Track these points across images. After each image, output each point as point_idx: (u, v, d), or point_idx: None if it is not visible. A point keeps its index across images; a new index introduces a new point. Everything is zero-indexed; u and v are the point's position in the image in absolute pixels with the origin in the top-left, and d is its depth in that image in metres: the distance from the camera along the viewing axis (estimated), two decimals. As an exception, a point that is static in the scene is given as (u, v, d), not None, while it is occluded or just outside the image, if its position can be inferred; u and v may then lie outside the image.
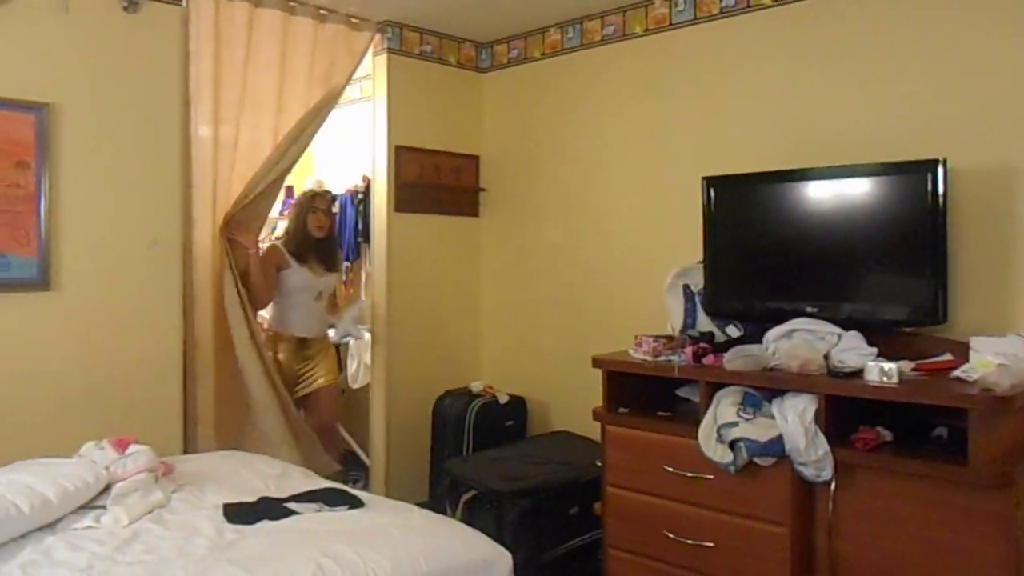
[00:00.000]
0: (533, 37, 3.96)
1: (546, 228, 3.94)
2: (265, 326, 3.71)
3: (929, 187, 2.48)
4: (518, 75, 4.06)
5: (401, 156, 3.88)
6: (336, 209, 4.42)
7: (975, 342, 2.35)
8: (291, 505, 2.21)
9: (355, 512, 2.24)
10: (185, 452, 3.17)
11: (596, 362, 2.92)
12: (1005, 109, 2.55)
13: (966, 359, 2.37)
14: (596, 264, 3.72)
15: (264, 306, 3.64)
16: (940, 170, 2.47)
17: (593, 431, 3.11)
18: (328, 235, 3.76)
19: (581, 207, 3.79)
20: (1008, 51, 2.56)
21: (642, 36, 3.53)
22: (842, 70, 2.92)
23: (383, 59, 3.82)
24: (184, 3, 3.19)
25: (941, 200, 2.47)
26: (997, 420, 2.16)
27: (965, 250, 2.59)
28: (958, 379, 2.30)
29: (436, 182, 4.04)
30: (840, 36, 2.92)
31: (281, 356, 3.66)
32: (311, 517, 2.17)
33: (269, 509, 2.17)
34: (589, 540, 3.15)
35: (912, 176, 2.52)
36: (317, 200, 3.70)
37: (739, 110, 3.20)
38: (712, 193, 2.97)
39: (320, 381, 3.73)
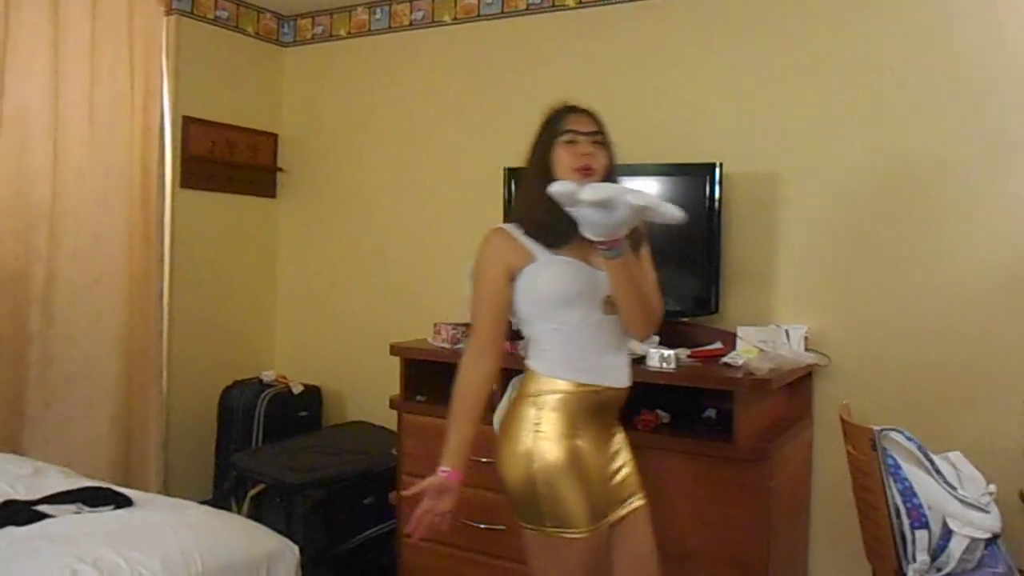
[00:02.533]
0: (339, 15, 3.83)
1: (347, 213, 3.84)
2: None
3: (707, 189, 2.69)
4: (322, 53, 3.91)
5: (189, 128, 3.61)
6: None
7: (741, 331, 2.57)
8: (43, 508, 1.97)
9: (122, 512, 2.05)
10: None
11: (394, 349, 2.89)
12: (772, 121, 2.82)
13: (734, 347, 2.59)
14: (398, 250, 3.68)
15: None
16: (716, 173, 2.68)
17: (390, 421, 3.07)
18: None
19: (384, 192, 3.73)
20: (778, 68, 2.82)
21: (450, 24, 3.52)
22: (635, 74, 3.08)
23: (172, 21, 3.52)
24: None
25: (717, 201, 2.69)
26: (757, 401, 2.38)
27: (736, 248, 2.83)
28: (726, 364, 2.51)
29: (229, 159, 3.79)
30: (635, 42, 3.08)
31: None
32: (68, 520, 1.95)
33: (15, 513, 1.92)
34: (384, 530, 3.11)
35: (692, 178, 2.72)
36: (574, 117, 1.87)
37: (541, 104, 3.26)
38: (514, 184, 3.02)
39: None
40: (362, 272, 3.79)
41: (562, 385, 1.81)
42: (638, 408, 2.53)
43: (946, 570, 2.08)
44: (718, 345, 2.67)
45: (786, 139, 2.79)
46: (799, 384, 2.67)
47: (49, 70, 3.09)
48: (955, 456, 2.27)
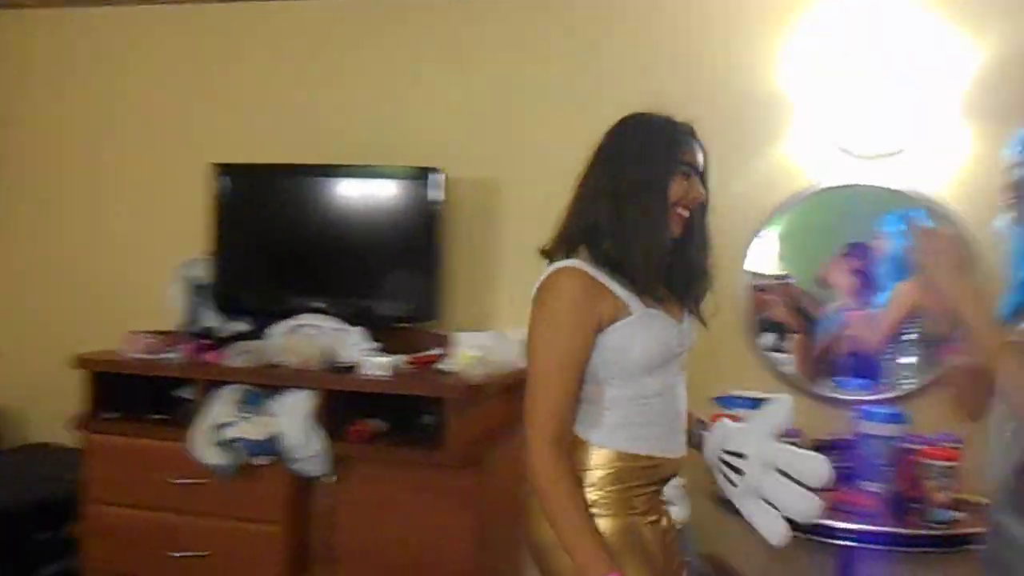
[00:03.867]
0: (26, -18, 3.34)
1: (30, 208, 3.35)
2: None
3: (428, 193, 2.67)
4: (3, 23, 3.39)
5: None
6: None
7: (458, 337, 2.56)
8: None
9: None
10: None
11: (80, 361, 2.56)
12: (494, 128, 2.86)
13: (451, 353, 2.58)
14: (87, 251, 3.27)
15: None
16: (437, 177, 2.66)
17: (77, 442, 2.70)
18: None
19: (74, 187, 3.31)
20: (499, 73, 2.87)
21: (156, 4, 3.18)
22: (356, 75, 2.99)
23: None
24: None
25: (438, 206, 2.67)
26: (470, 407, 2.38)
27: (458, 253, 2.83)
28: (442, 371, 2.49)
29: None
30: (358, 42, 2.99)
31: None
32: None
33: None
34: (61, 569, 2.72)
35: (414, 181, 2.68)
36: (694, 146, 1.59)
37: (256, 98, 3.09)
38: (223, 182, 2.79)
39: None
40: (44, 276, 3.32)
41: (617, 456, 1.49)
42: (351, 418, 2.45)
43: (637, 562, 2.20)
44: (437, 351, 2.65)
45: (507, 146, 2.85)
46: (516, 390, 2.71)
47: None
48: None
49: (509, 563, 2.72)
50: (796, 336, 2.73)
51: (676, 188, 1.50)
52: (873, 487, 2.33)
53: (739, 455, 1.57)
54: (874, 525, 2.23)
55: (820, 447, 2.46)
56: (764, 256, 2.71)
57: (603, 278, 1.47)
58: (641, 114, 1.61)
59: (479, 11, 2.89)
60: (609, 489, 1.48)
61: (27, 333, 3.33)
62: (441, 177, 2.67)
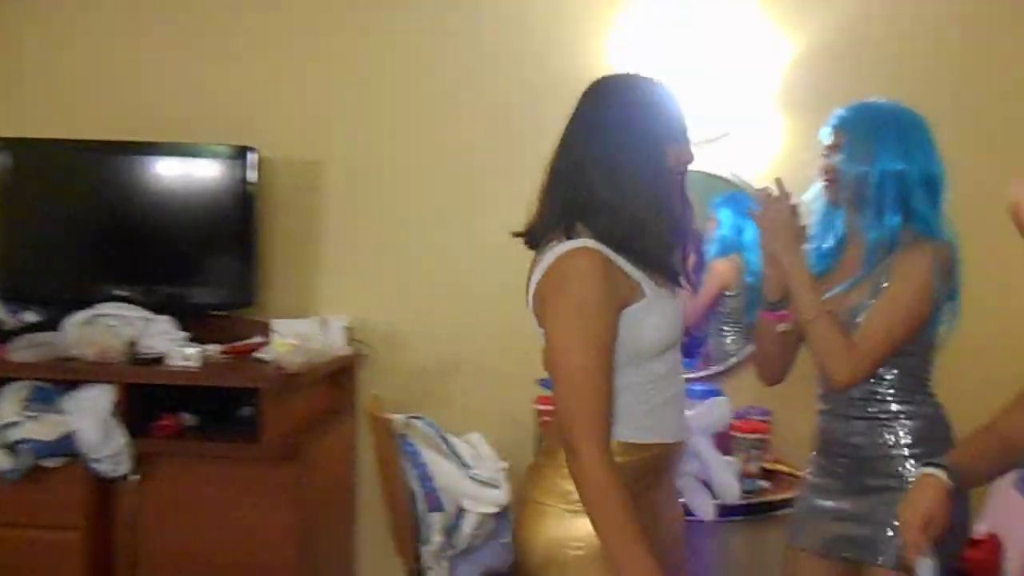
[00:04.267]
0: None
1: None
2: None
3: (241, 173, 2.52)
4: None
5: None
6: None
7: (276, 324, 2.44)
8: None
9: None
10: None
11: None
12: (314, 108, 2.73)
13: (269, 341, 2.45)
14: None
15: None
16: (252, 157, 2.52)
17: None
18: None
19: None
20: (325, 50, 2.73)
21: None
22: (169, 44, 2.76)
23: None
24: None
25: (253, 186, 2.53)
26: (288, 397, 2.27)
27: (276, 236, 2.69)
28: (259, 360, 2.37)
29: None
30: (170, 20, 2.77)
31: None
32: None
33: None
34: None
35: (225, 160, 2.53)
36: (673, 107, 1.47)
37: (44, 68, 2.81)
38: (7, 158, 2.52)
39: None
40: None
41: (631, 449, 1.38)
42: (157, 413, 2.28)
43: (459, 547, 2.18)
44: (256, 340, 2.52)
45: (328, 126, 2.72)
46: (340, 377, 2.63)
47: None
48: (475, 437, 2.40)
49: (335, 562, 2.64)
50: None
51: (671, 153, 1.40)
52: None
53: None
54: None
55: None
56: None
57: (616, 258, 1.35)
58: (619, 76, 1.48)
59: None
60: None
61: None
62: (254, 157, 2.52)
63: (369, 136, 2.72)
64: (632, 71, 1.48)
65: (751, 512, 2.29)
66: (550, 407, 2.36)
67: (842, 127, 1.68)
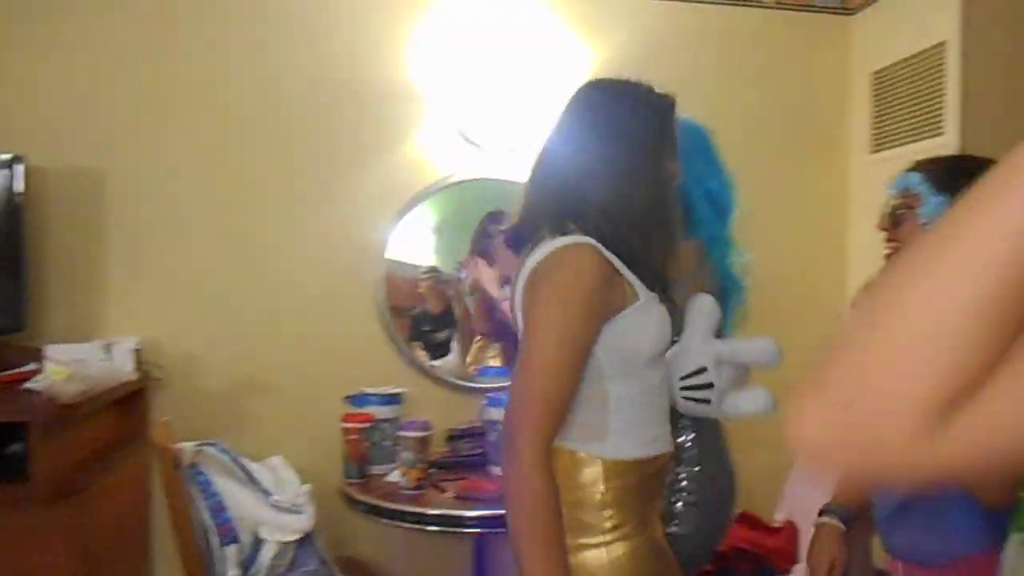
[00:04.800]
0: None
1: None
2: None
3: (8, 184, 2.27)
4: None
5: None
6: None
7: (50, 350, 2.21)
8: None
9: None
10: None
11: None
12: (92, 114, 2.51)
13: (45, 369, 2.23)
14: None
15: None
16: (19, 167, 2.28)
17: None
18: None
19: None
20: (103, 56, 2.53)
21: None
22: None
23: None
24: None
25: (20, 198, 2.29)
26: (62, 430, 2.06)
27: (51, 253, 2.46)
28: (30, 390, 2.14)
29: None
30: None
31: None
32: None
33: None
34: None
35: (-10, 170, 2.27)
36: (674, 121, 1.48)
37: None
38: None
39: None
40: None
41: (631, 466, 1.32)
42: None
43: (259, 578, 2.07)
44: (29, 367, 2.28)
45: (108, 135, 2.51)
46: (128, 404, 2.43)
47: None
48: (275, 461, 2.31)
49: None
50: (451, 326, 2.77)
51: (671, 165, 1.41)
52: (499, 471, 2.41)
53: (699, 371, 1.55)
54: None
55: (455, 436, 2.51)
56: (412, 248, 2.71)
57: (612, 259, 1.30)
58: (625, 82, 1.43)
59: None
60: (631, 506, 1.31)
61: None
62: (21, 165, 2.28)
63: (153, 145, 2.53)
64: (633, 78, 1.46)
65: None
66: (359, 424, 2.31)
67: None
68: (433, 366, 2.74)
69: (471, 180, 2.72)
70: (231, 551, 1.99)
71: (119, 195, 2.51)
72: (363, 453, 2.30)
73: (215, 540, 1.99)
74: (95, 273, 2.51)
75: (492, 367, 2.82)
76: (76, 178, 2.48)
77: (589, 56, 2.70)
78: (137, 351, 2.41)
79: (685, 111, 1.77)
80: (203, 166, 2.57)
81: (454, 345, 2.80)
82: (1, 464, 2.13)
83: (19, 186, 2.28)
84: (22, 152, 2.30)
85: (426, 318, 2.78)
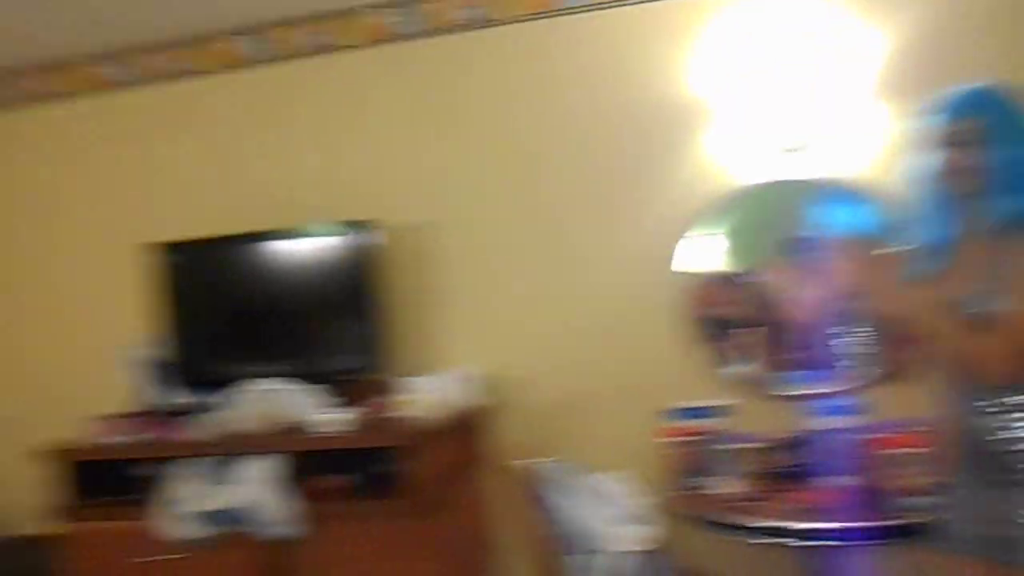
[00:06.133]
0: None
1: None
2: None
3: (365, 244, 2.72)
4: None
5: None
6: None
7: (408, 382, 2.59)
8: None
9: None
10: None
11: (47, 453, 2.58)
12: (424, 173, 2.90)
13: (403, 399, 2.58)
14: (33, 342, 3.31)
15: None
16: (371, 229, 2.72)
17: (45, 531, 2.70)
18: None
19: (18, 279, 3.35)
20: (426, 120, 2.91)
21: (79, 96, 3.25)
22: (289, 137, 3.04)
23: None
24: None
25: (375, 256, 2.72)
26: (426, 450, 2.39)
27: (401, 300, 2.86)
28: (396, 418, 2.51)
29: None
30: (284, 106, 3.05)
31: None
32: None
33: None
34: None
35: (351, 235, 2.74)
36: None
37: (190, 174, 3.15)
38: (168, 258, 2.85)
39: None
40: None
41: None
42: (314, 477, 2.46)
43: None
44: (389, 399, 2.67)
45: (442, 190, 2.89)
46: (471, 429, 2.73)
47: None
48: (609, 475, 2.40)
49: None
50: (754, 332, 2.70)
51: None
52: (837, 482, 2.30)
53: None
54: (845, 521, 2.19)
55: (777, 446, 2.44)
56: (708, 256, 2.71)
57: None
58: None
59: (395, 59, 2.93)
60: None
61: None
62: (374, 229, 2.72)
63: (476, 195, 2.86)
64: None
65: (912, 532, 2.16)
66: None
67: (977, 114, 1.59)
68: (739, 374, 2.68)
69: (766, 183, 2.65)
70: (580, 562, 2.13)
71: (451, 244, 2.87)
72: (690, 465, 2.34)
73: (564, 552, 2.14)
74: (437, 314, 2.88)
75: (802, 372, 2.68)
76: (416, 233, 2.88)
77: (880, 38, 2.52)
78: (473, 380, 2.71)
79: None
80: (514, 206, 2.84)
81: (757, 352, 2.71)
82: (376, 482, 2.52)
83: (369, 246, 2.72)
84: (372, 215, 2.73)
85: (727, 325, 2.72)
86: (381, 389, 2.73)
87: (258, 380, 2.64)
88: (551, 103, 2.81)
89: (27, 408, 3.22)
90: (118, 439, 2.59)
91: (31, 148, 3.33)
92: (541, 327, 2.80)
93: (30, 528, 2.95)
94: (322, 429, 2.45)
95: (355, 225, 2.73)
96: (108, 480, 2.63)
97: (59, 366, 3.24)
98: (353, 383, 2.74)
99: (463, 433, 2.68)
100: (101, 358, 2.95)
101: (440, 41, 2.88)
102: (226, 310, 2.88)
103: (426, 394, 2.55)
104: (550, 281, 2.80)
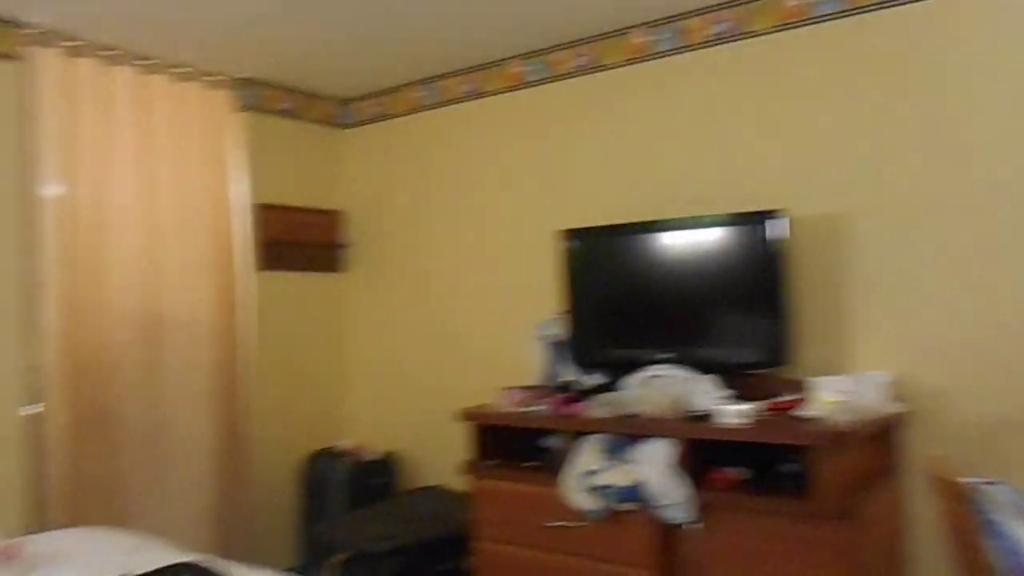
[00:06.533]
0: (393, 94, 3.96)
1: (413, 283, 3.92)
2: None
3: (768, 236, 2.64)
4: (380, 131, 4.05)
5: (262, 214, 3.77)
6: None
7: (816, 382, 2.48)
8: (149, 582, 2.05)
9: (212, 587, 2.09)
10: (40, 530, 2.90)
11: (464, 415, 2.91)
12: (838, 160, 2.75)
13: (809, 398, 2.50)
14: (461, 317, 3.73)
15: None
16: (780, 219, 2.63)
17: (464, 485, 3.07)
18: None
19: (445, 261, 3.80)
20: (840, 106, 2.76)
21: (499, 94, 3.59)
22: (689, 126, 3.08)
23: (242, 116, 3.71)
24: (27, 59, 3.00)
25: (781, 247, 2.63)
26: (837, 455, 2.28)
27: (807, 294, 2.75)
28: (802, 417, 2.42)
29: (299, 239, 3.95)
30: (685, 95, 3.09)
31: None
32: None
33: (124, 588, 2.00)
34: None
35: (755, 225, 2.68)
36: None
37: (594, 165, 3.32)
38: (571, 245, 3.04)
39: None
40: (430, 339, 3.84)
41: None
42: (713, 466, 2.48)
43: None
44: (793, 397, 2.59)
45: (853, 180, 2.72)
46: (884, 436, 2.55)
47: (140, 168, 3.30)
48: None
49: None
50: None
51: None
52: None
53: None
54: None
55: None
56: None
57: None
58: None
59: (805, 44, 2.83)
60: None
61: (417, 391, 3.87)
62: (781, 219, 2.63)
63: (897, 187, 2.64)
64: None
65: None
66: None
67: None
68: None
69: None
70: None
71: (863, 237, 2.69)
72: None
73: (1009, 582, 1.92)
74: (846, 310, 2.72)
75: None
76: (825, 224, 2.75)
77: None
78: (888, 385, 2.53)
79: None
80: (940, 198, 2.58)
81: None
82: (781, 481, 2.46)
83: (776, 238, 2.64)
84: (782, 205, 2.65)
85: None
86: (780, 386, 2.67)
87: (655, 366, 2.72)
88: (984, 88, 2.51)
89: (458, 376, 3.68)
90: (528, 409, 2.82)
91: (461, 141, 3.75)
92: (969, 331, 2.52)
93: (453, 481, 3.36)
94: (723, 420, 2.44)
95: (759, 215, 2.67)
96: (515, 445, 2.90)
97: (483, 339, 3.64)
98: (750, 377, 2.71)
99: (876, 440, 2.51)
100: (518, 334, 3.24)
101: (867, 19, 2.70)
102: (623, 296, 2.98)
103: (834, 395, 2.42)
104: (981, 279, 2.51)
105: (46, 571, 2.17)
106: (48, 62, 3.04)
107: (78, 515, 3.04)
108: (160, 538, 2.60)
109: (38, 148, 3.03)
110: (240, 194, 3.69)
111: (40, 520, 2.97)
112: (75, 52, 3.13)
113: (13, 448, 2.94)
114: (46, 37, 3.04)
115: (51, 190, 3.05)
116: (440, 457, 3.65)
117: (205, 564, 2.23)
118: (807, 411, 2.43)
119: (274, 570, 2.32)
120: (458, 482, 3.21)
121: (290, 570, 2.40)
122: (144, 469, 3.28)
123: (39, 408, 3.00)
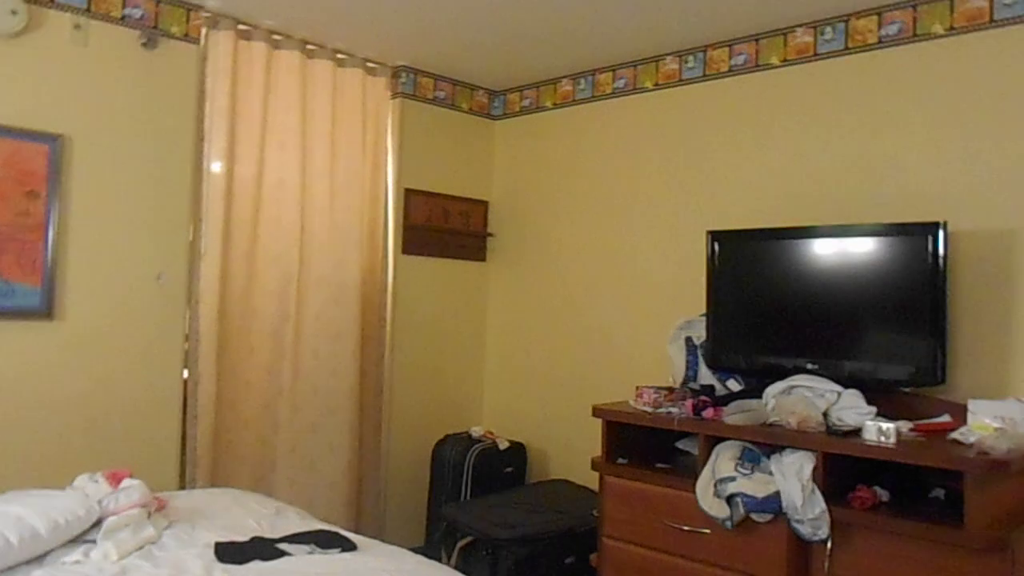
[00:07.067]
0: (546, 87, 4.04)
1: (553, 275, 3.98)
2: None
3: (930, 249, 2.51)
4: (530, 123, 4.13)
5: (410, 199, 3.93)
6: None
7: (973, 404, 2.34)
8: (283, 546, 2.19)
9: (347, 555, 2.22)
10: (181, 488, 3.16)
11: (596, 411, 2.93)
12: (1005, 173, 2.59)
13: (964, 421, 2.37)
14: (601, 313, 3.75)
15: None
16: (941, 232, 2.49)
17: (591, 481, 3.10)
18: None
19: (587, 255, 3.83)
20: (1009, 117, 2.60)
21: (652, 90, 3.59)
22: (846, 131, 2.97)
23: (397, 103, 3.88)
24: (202, 42, 3.26)
25: (941, 262, 2.50)
26: (994, 484, 2.15)
27: (966, 312, 2.61)
28: (955, 441, 2.30)
29: (444, 226, 4.08)
30: (845, 98, 2.98)
31: None
32: (303, 559, 2.15)
33: (261, 549, 2.15)
34: (584, 593, 3.12)
35: (913, 238, 2.55)
36: None
37: (745, 166, 3.26)
38: (716, 247, 2.99)
39: None
40: (566, 333, 3.89)
41: None
42: (853, 484, 2.39)
43: None
44: (945, 419, 2.46)
45: (1020, 195, 2.55)
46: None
47: (299, 148, 3.51)
48: None
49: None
50: None
51: None
52: None
53: None
54: None
55: None
56: None
57: None
58: None
59: (983, 51, 2.66)
60: None
61: (552, 384, 3.93)
62: (944, 232, 2.49)
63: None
64: None
65: None
66: None
67: None
68: None
69: None
70: None
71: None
72: None
73: None
74: (1004, 333, 2.56)
75: None
76: (990, 239, 2.59)
77: None
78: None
79: None
80: None
81: None
82: (925, 505, 2.34)
83: (938, 251, 2.50)
84: (938, 218, 2.52)
85: None
86: (931, 406, 2.54)
87: (797, 376, 2.64)
88: None
89: (593, 371, 3.72)
90: (660, 409, 2.81)
91: (610, 136, 3.77)
92: None
93: (581, 476, 3.39)
94: (868, 437, 2.35)
95: (923, 227, 2.54)
96: (648, 445, 2.89)
97: (620, 336, 3.65)
98: (898, 395, 2.59)
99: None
100: (657, 333, 3.23)
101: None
102: (768, 301, 2.91)
103: (993, 420, 2.28)
104: None
105: (188, 525, 2.33)
106: (220, 45, 3.28)
107: (218, 478, 3.28)
108: (294, 506, 2.76)
109: (208, 126, 3.28)
110: (391, 178, 3.87)
111: (185, 478, 3.23)
112: (245, 35, 3.36)
113: (175, 409, 3.20)
114: (219, 20, 3.28)
115: (217, 166, 3.31)
116: (570, 451, 3.69)
117: (341, 533, 2.36)
118: (960, 435, 2.30)
119: (402, 547, 2.42)
120: (587, 477, 3.24)
121: (416, 549, 2.50)
122: (284, 440, 3.48)
123: (189, 373, 3.26)
